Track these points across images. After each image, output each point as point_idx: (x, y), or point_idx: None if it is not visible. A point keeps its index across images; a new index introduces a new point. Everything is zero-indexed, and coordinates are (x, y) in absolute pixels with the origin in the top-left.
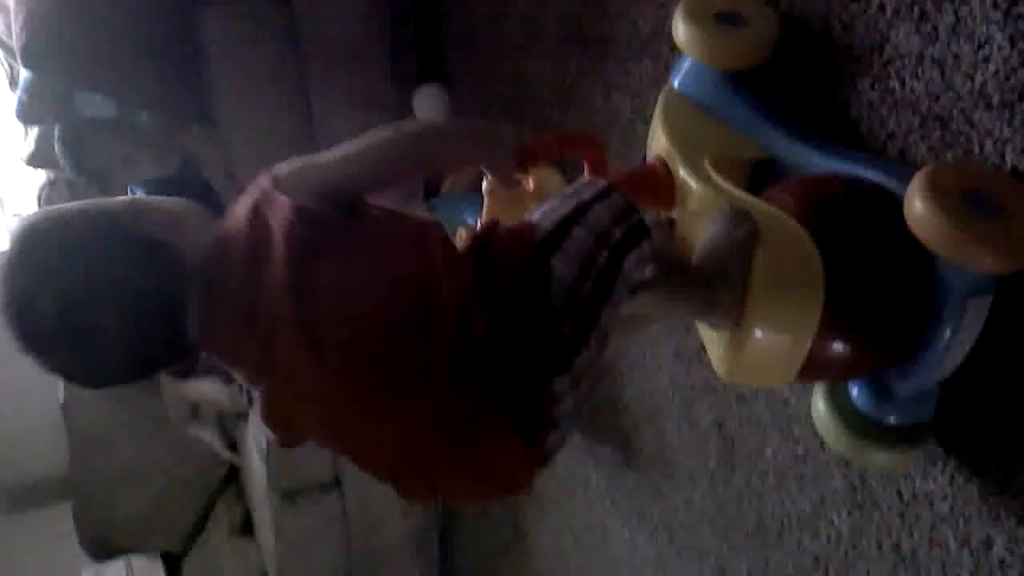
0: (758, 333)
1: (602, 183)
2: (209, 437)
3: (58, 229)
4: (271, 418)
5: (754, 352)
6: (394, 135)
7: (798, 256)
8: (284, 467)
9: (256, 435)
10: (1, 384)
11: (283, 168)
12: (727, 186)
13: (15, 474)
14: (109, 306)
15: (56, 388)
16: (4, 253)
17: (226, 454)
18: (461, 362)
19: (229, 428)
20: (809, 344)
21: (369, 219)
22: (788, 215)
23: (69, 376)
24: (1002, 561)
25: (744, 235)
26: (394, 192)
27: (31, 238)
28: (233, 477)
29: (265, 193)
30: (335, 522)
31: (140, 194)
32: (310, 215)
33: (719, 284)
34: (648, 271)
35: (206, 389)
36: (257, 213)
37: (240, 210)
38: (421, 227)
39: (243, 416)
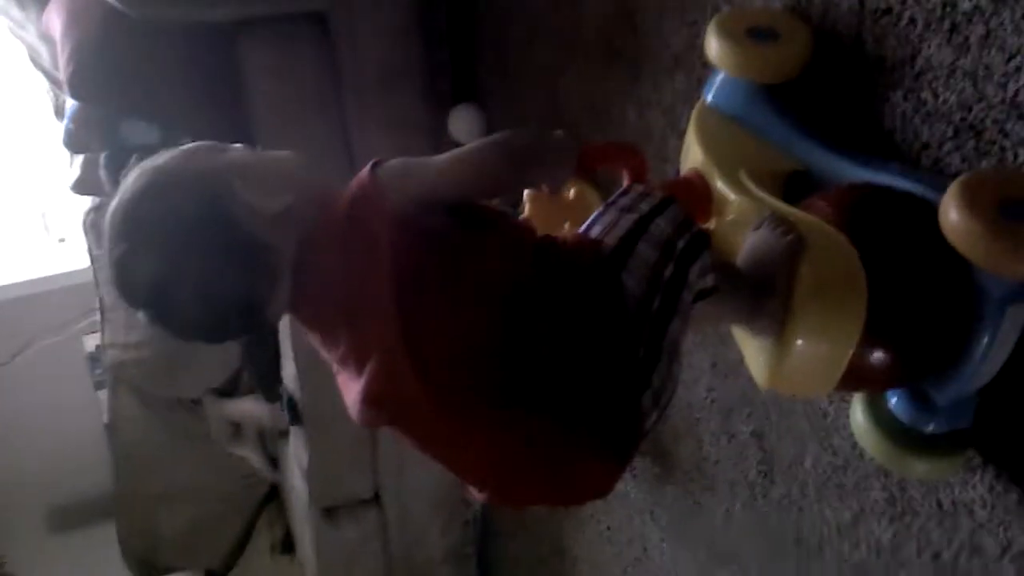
0: (801, 342)
1: (659, 194)
2: (250, 455)
3: (165, 206)
4: (370, 397)
5: (797, 361)
6: (492, 154)
7: (843, 266)
8: (324, 484)
9: (297, 452)
10: (47, 405)
11: (388, 168)
12: (766, 197)
13: (60, 494)
14: (197, 292)
15: (100, 408)
16: (123, 203)
17: (267, 472)
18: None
19: (270, 446)
20: (851, 354)
21: (467, 227)
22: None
23: (159, 326)
24: None
25: (791, 242)
26: None
27: (140, 206)
28: (274, 495)
29: (365, 188)
30: (375, 538)
31: None
32: (413, 231)
33: (766, 289)
34: (710, 279)
35: (247, 408)
36: (356, 215)
37: (342, 204)
38: (518, 231)
39: (284, 434)
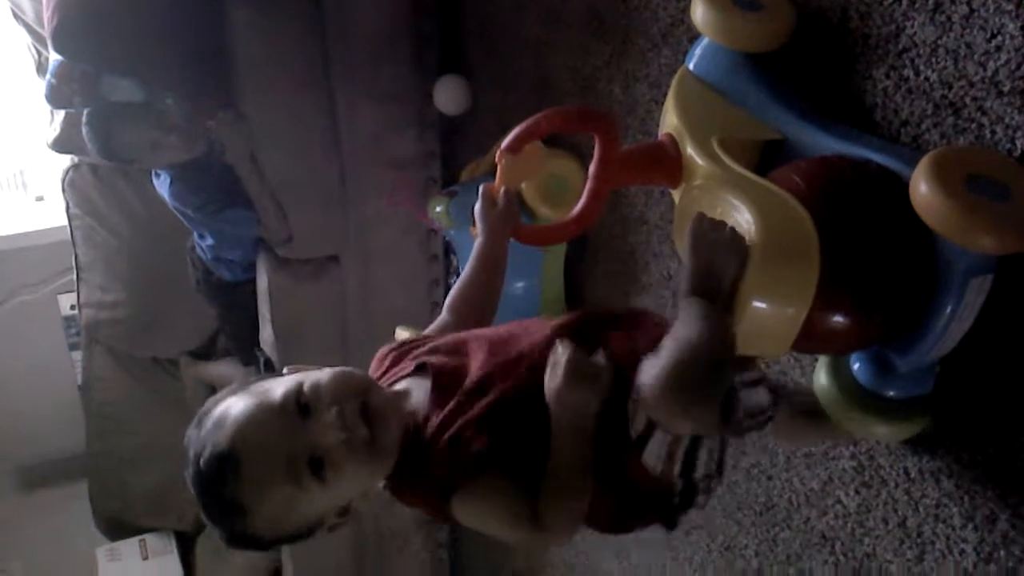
0: (756, 304)
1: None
2: None
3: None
4: None
5: (751, 322)
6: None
7: (795, 232)
8: None
9: None
10: (20, 364)
11: None
12: (732, 164)
13: (32, 453)
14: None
15: (75, 368)
16: (202, 478)
17: None
18: None
19: None
20: (803, 316)
21: None
22: (793, 194)
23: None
24: (1005, 535)
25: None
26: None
27: (223, 475)
28: None
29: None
30: None
31: (164, 177)
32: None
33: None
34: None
35: (223, 371)
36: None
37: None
38: None
39: None
